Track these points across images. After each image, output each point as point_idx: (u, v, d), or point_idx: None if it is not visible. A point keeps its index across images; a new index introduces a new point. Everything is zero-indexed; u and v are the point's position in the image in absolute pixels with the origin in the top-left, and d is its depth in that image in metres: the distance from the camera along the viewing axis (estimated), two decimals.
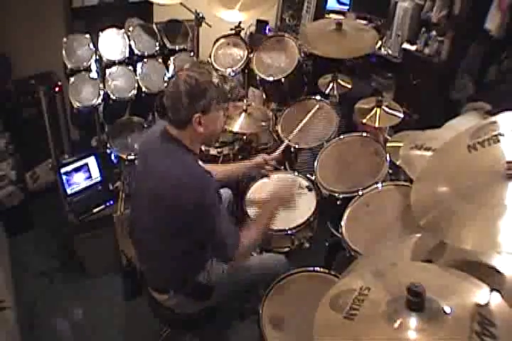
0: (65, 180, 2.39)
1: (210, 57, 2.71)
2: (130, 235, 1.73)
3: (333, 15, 3.17)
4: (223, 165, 2.07)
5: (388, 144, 2.02)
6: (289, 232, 1.89)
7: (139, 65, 2.80)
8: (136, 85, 2.74)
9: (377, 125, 2.07)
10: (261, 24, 3.27)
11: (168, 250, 1.52)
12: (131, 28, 2.83)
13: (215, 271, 1.65)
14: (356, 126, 2.37)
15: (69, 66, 2.65)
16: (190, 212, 1.40)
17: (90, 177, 2.50)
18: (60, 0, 2.81)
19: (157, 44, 2.87)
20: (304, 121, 2.28)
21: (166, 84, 1.51)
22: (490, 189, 0.99)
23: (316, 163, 2.10)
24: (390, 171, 1.97)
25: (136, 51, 2.81)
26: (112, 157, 2.74)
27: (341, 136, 2.16)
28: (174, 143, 1.46)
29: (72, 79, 2.65)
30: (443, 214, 1.04)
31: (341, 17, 3.10)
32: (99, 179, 2.53)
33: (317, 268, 1.66)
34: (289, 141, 2.25)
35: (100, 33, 2.72)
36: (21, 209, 2.72)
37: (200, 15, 2.66)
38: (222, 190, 2.02)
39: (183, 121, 1.42)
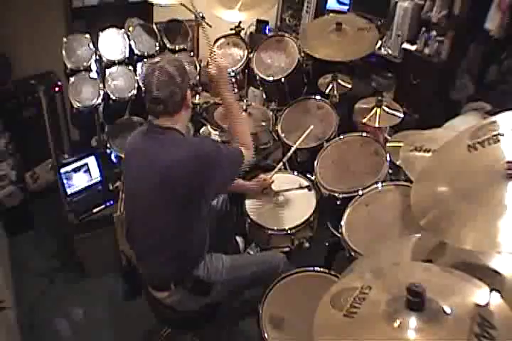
0: (65, 180, 2.39)
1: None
2: (126, 234, 1.73)
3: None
4: None
5: (388, 144, 2.02)
6: (289, 232, 1.90)
7: (139, 65, 2.80)
8: (136, 85, 2.74)
9: (377, 125, 2.07)
10: (261, 24, 3.27)
11: (170, 239, 1.54)
12: (131, 28, 2.83)
13: (213, 266, 1.65)
14: (356, 126, 2.37)
15: (69, 66, 2.65)
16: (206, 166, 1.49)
17: (90, 177, 2.50)
18: (60, 0, 2.81)
19: (157, 44, 2.87)
20: (308, 130, 2.25)
21: (144, 81, 1.56)
22: (490, 189, 0.99)
23: (316, 163, 2.10)
24: (390, 171, 1.97)
25: (136, 51, 2.81)
26: (112, 157, 2.74)
27: (341, 136, 2.16)
28: (167, 132, 1.52)
29: (72, 79, 2.65)
30: (443, 214, 1.04)
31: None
32: (99, 179, 2.53)
33: (317, 268, 1.66)
34: (296, 148, 2.20)
35: (100, 33, 2.71)
36: (21, 209, 2.72)
37: (200, 15, 2.66)
38: None
39: (179, 103, 1.51)
